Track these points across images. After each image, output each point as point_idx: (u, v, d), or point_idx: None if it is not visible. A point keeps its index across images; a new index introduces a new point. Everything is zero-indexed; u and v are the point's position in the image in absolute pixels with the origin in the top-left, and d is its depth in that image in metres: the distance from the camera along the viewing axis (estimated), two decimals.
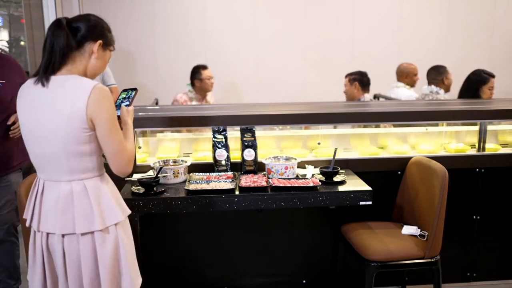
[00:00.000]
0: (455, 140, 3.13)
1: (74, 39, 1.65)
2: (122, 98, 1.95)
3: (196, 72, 4.47)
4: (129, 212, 1.80)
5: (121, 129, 1.77)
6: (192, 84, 4.49)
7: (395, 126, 3.20)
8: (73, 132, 1.59)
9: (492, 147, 3.00)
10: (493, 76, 3.88)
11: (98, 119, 1.60)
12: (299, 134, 3.09)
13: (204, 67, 4.48)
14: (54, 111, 1.59)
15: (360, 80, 4.10)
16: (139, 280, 1.82)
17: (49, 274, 1.72)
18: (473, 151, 2.95)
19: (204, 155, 2.83)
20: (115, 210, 1.71)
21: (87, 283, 1.68)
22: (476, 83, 3.86)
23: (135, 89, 1.97)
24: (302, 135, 3.09)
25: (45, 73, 1.62)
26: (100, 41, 1.71)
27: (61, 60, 1.63)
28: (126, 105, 1.87)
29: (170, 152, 2.89)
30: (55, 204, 1.67)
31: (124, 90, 1.99)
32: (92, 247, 1.67)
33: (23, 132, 1.70)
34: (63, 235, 1.67)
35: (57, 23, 1.62)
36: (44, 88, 1.61)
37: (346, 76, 4.21)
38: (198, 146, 2.99)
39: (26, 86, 1.68)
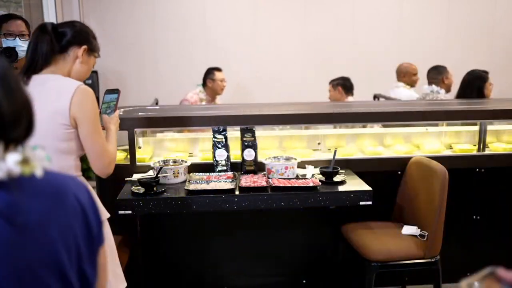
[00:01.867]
0: (457, 140, 3.13)
1: (58, 44, 1.69)
2: (106, 105, 1.95)
3: (210, 73, 4.53)
4: (108, 215, 1.80)
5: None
6: (204, 84, 4.54)
7: (395, 126, 3.19)
8: (54, 128, 1.60)
9: (497, 147, 3.00)
10: (487, 72, 3.92)
11: (81, 118, 1.63)
12: (299, 134, 3.09)
13: (218, 69, 4.54)
14: (38, 106, 1.60)
15: (343, 84, 4.25)
16: (121, 286, 1.80)
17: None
18: (473, 151, 2.95)
19: (204, 156, 2.83)
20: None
21: None
22: (479, 81, 3.85)
23: (117, 91, 1.98)
24: (302, 135, 3.09)
25: (25, 73, 1.63)
26: (85, 47, 1.74)
27: (43, 62, 1.66)
28: (108, 113, 1.92)
29: (180, 152, 2.89)
30: None
31: (107, 92, 1.97)
32: None
33: None
34: None
35: (42, 28, 1.66)
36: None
37: (330, 83, 4.34)
38: (201, 146, 2.99)
39: None
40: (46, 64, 1.67)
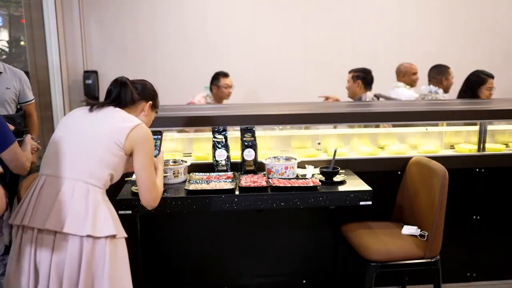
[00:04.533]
0: (457, 140, 3.13)
1: (133, 96, 1.96)
2: None
3: (216, 78, 4.45)
4: (125, 235, 1.80)
5: None
6: (211, 89, 4.49)
7: (395, 126, 3.19)
8: (107, 141, 1.78)
9: (497, 147, 3.00)
10: (491, 77, 3.88)
11: (139, 150, 1.82)
12: (299, 134, 3.09)
13: (224, 75, 4.45)
14: (100, 122, 1.83)
15: (364, 78, 4.05)
16: None
17: (33, 275, 1.71)
18: (473, 151, 2.95)
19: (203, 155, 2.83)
20: (110, 224, 1.73)
21: (66, 287, 1.68)
22: (474, 83, 3.87)
23: (160, 133, 2.22)
24: (302, 135, 3.08)
25: (102, 105, 1.89)
26: (150, 102, 2.01)
27: (120, 105, 1.92)
28: (155, 155, 2.09)
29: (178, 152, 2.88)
30: (51, 198, 1.70)
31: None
32: (79, 252, 1.67)
33: (58, 133, 1.85)
34: (55, 233, 1.68)
35: (124, 81, 1.95)
36: (92, 112, 1.86)
37: (350, 72, 4.14)
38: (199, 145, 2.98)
39: (76, 109, 1.95)
40: (122, 107, 1.92)
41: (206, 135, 2.97)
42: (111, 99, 1.92)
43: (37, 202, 1.72)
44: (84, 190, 1.72)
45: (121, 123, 1.82)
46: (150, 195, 1.88)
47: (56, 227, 1.67)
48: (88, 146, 1.77)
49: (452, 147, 3.08)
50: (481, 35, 5.93)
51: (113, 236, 1.72)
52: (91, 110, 1.87)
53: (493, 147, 3.00)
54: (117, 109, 1.90)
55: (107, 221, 1.73)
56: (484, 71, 3.91)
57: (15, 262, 1.74)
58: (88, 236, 1.67)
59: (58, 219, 1.67)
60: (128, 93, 1.93)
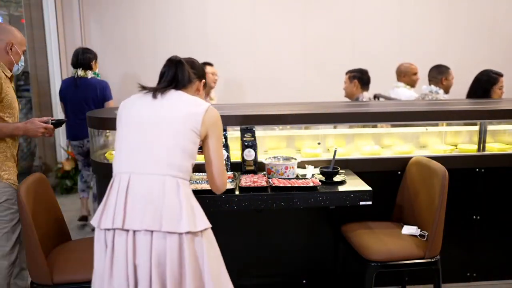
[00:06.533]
0: (457, 140, 3.13)
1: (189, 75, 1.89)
2: None
3: None
4: (210, 225, 1.77)
5: None
6: None
7: (395, 126, 3.20)
8: (186, 129, 1.72)
9: (498, 147, 3.00)
10: (502, 75, 3.87)
11: (212, 133, 1.78)
12: (299, 134, 3.09)
13: (209, 64, 4.66)
14: (170, 110, 1.74)
15: (360, 78, 4.09)
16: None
17: (132, 276, 1.65)
18: (473, 151, 2.95)
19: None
20: (203, 216, 1.72)
21: (170, 285, 1.63)
22: (486, 83, 3.82)
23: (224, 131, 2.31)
24: (302, 135, 3.09)
25: (162, 88, 1.80)
26: (204, 80, 1.99)
27: (179, 86, 1.84)
28: None
29: None
30: (142, 197, 1.64)
31: None
32: (179, 249, 1.64)
33: (125, 127, 1.78)
34: (152, 232, 1.63)
35: (180, 60, 1.87)
36: (157, 99, 1.77)
37: (347, 73, 4.20)
38: None
39: (133, 98, 1.85)
40: (180, 88, 1.84)
41: None
42: (168, 80, 1.82)
43: (126, 202, 1.66)
44: (174, 184, 1.67)
45: (193, 108, 1.74)
46: (222, 178, 1.84)
47: (154, 227, 1.62)
48: (168, 137, 1.70)
49: (455, 146, 3.08)
50: (481, 35, 5.93)
51: (205, 228, 1.71)
52: (154, 96, 1.77)
53: (501, 147, 2.99)
54: (180, 92, 1.81)
55: (200, 213, 1.72)
56: (494, 70, 3.88)
57: (109, 268, 1.68)
58: (187, 232, 1.64)
59: (154, 218, 1.62)
60: (185, 73, 1.84)
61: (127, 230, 1.65)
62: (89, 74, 3.90)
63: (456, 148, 3.04)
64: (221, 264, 1.79)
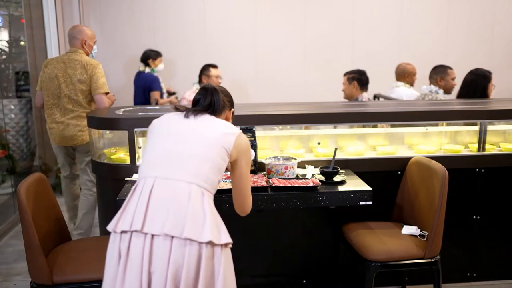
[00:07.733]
0: (457, 140, 3.13)
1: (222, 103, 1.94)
2: None
3: (205, 69, 4.64)
4: (232, 241, 1.72)
5: None
6: (200, 81, 4.64)
7: (395, 126, 3.19)
8: (220, 146, 1.75)
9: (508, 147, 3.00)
10: (491, 73, 3.89)
11: (242, 158, 1.82)
12: (299, 134, 3.09)
13: (213, 66, 4.67)
14: (204, 128, 1.79)
15: (359, 79, 4.09)
16: None
17: (146, 284, 1.60)
18: (473, 151, 2.95)
19: None
20: (226, 231, 1.68)
21: None
22: (484, 80, 3.81)
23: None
24: (302, 135, 3.08)
25: (197, 112, 1.83)
26: (233, 110, 2.04)
27: (213, 111, 1.88)
28: None
29: None
30: (166, 202, 1.61)
31: None
32: (197, 259, 1.59)
33: (156, 134, 1.81)
34: (172, 238, 1.58)
35: (215, 88, 1.91)
36: (189, 118, 1.81)
37: (345, 75, 4.20)
38: None
39: (165, 115, 1.89)
40: (214, 114, 1.88)
41: None
42: (204, 106, 1.86)
43: (148, 205, 1.62)
44: (200, 193, 1.66)
45: (227, 130, 1.79)
46: (247, 202, 1.89)
47: (175, 232, 1.57)
48: (199, 149, 1.72)
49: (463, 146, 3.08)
50: (481, 35, 5.93)
51: (226, 244, 1.67)
52: (186, 116, 1.81)
53: (509, 147, 2.99)
54: (213, 116, 1.86)
55: (224, 229, 1.68)
56: (482, 69, 3.89)
57: (122, 274, 1.62)
58: (208, 242, 1.59)
59: (177, 223, 1.58)
60: (220, 100, 1.89)
61: (145, 234, 1.60)
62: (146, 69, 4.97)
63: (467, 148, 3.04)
64: (232, 285, 1.73)
